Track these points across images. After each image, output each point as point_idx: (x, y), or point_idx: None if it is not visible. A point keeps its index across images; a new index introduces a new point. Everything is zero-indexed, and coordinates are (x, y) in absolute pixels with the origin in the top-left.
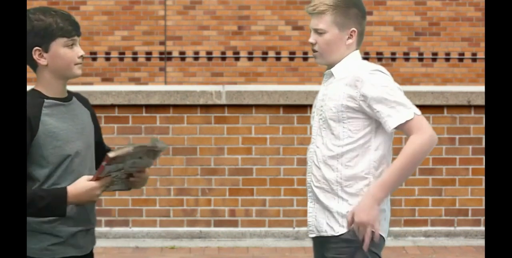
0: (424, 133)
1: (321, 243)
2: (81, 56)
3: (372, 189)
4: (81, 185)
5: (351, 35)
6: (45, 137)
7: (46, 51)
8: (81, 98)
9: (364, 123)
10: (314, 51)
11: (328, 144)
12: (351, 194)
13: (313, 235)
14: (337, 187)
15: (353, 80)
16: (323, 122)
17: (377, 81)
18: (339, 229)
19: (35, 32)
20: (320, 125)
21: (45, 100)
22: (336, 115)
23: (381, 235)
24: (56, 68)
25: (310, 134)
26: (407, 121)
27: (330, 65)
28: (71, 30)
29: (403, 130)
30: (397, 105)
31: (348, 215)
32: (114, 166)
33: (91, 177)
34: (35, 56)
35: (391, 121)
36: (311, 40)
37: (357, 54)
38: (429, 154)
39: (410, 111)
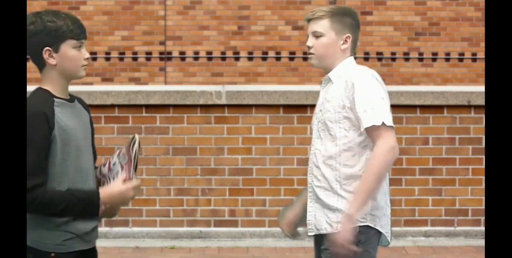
0: (385, 144)
1: (320, 240)
2: (87, 58)
3: (348, 209)
4: (116, 188)
5: (346, 40)
6: (59, 134)
7: (56, 51)
8: (82, 102)
9: (358, 123)
10: (310, 53)
11: (327, 145)
12: (350, 192)
13: (312, 233)
14: (337, 185)
15: (347, 83)
16: (322, 124)
17: (365, 87)
18: (338, 226)
19: (46, 33)
20: (319, 127)
21: (55, 99)
22: (333, 116)
23: (377, 230)
24: (64, 68)
25: (311, 134)
26: (373, 127)
27: (326, 69)
28: (79, 33)
29: (370, 136)
30: (370, 110)
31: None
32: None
33: (124, 176)
34: (45, 55)
35: (361, 124)
36: (308, 43)
37: (352, 60)
38: (392, 164)
39: (378, 119)
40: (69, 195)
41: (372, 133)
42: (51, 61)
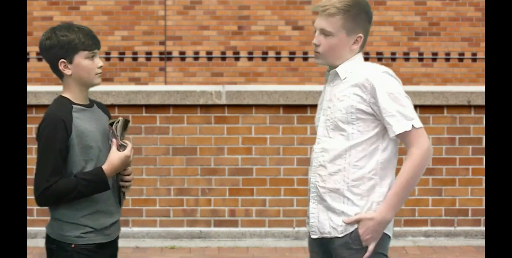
0: (420, 147)
1: (324, 244)
2: (101, 66)
3: (382, 211)
4: (115, 158)
5: (357, 40)
6: (77, 137)
7: (71, 62)
8: (101, 106)
9: (373, 124)
10: (316, 52)
11: (336, 144)
12: (357, 194)
13: (316, 236)
14: (343, 186)
15: (362, 82)
16: (331, 123)
17: (385, 86)
18: (343, 230)
19: (60, 46)
20: (327, 126)
21: (73, 106)
22: (345, 117)
23: (386, 234)
24: (79, 77)
25: (311, 133)
26: (405, 133)
27: (331, 66)
28: (91, 44)
29: (402, 140)
30: (398, 114)
31: (353, 218)
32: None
33: (115, 146)
34: (61, 67)
35: (391, 130)
36: (315, 41)
37: (361, 57)
38: (426, 165)
39: (408, 123)
40: (79, 179)
41: (404, 138)
42: (67, 71)
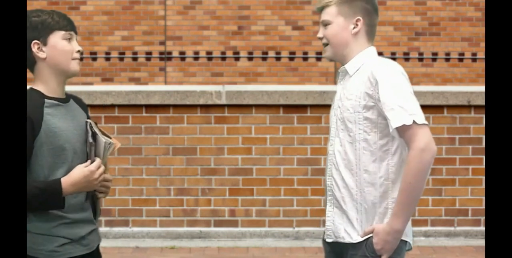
0: (416, 147)
1: (339, 248)
2: (79, 51)
3: (390, 221)
4: (76, 172)
5: (356, 24)
6: (46, 136)
7: (45, 44)
8: (78, 100)
9: (381, 125)
10: (324, 45)
11: (346, 146)
12: (370, 200)
13: (330, 240)
14: (357, 192)
15: (368, 77)
16: (341, 123)
17: (389, 81)
18: (357, 237)
19: (33, 27)
20: (338, 126)
21: (46, 100)
22: (353, 116)
23: (403, 240)
24: (54, 62)
25: (311, 133)
26: (404, 128)
27: (342, 61)
28: (66, 24)
29: (402, 137)
30: (398, 108)
31: (368, 229)
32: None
33: (88, 162)
34: (34, 49)
35: (389, 124)
36: (319, 35)
37: (372, 51)
38: (431, 164)
39: (408, 118)
40: (31, 186)
41: (403, 133)
42: (41, 54)
